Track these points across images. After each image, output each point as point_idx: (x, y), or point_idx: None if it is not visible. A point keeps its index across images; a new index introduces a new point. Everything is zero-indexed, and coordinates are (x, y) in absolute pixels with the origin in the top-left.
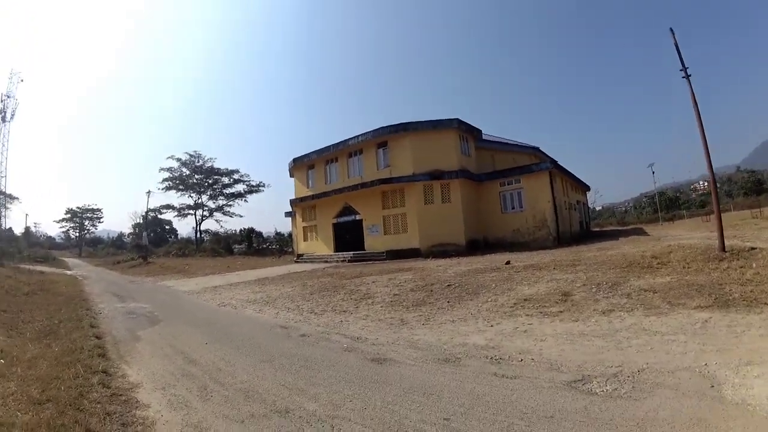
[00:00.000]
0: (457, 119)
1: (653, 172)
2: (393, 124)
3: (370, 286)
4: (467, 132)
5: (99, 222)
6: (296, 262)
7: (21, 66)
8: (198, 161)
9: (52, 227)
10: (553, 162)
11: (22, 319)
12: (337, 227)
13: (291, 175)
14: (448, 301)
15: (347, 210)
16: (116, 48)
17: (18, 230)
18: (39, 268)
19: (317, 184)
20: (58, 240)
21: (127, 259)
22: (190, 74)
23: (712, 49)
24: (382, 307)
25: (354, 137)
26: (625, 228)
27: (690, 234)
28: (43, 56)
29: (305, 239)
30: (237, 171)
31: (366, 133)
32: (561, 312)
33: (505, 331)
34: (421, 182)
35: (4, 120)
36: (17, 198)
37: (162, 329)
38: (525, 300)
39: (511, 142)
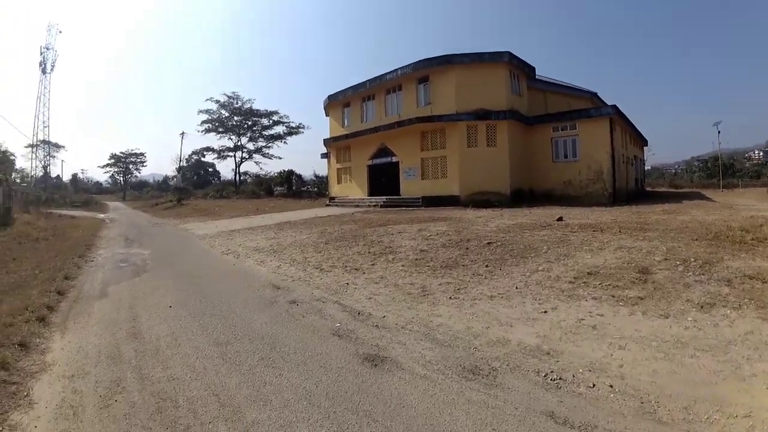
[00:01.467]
0: (509, 52)
1: (719, 132)
2: (435, 56)
3: (395, 237)
4: (519, 68)
5: (143, 166)
6: (327, 205)
7: (61, 13)
8: (236, 103)
9: (99, 173)
10: (615, 108)
11: (7, 269)
12: (371, 169)
13: (326, 114)
14: (487, 265)
15: (383, 151)
16: None
17: (66, 177)
18: (73, 212)
19: (353, 123)
20: (105, 185)
21: (164, 201)
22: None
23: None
24: (402, 266)
25: (392, 71)
26: (680, 191)
27: (764, 205)
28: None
29: (339, 182)
30: (276, 112)
31: (405, 66)
32: (641, 299)
33: (564, 324)
34: (465, 122)
35: (44, 72)
36: (63, 146)
37: (139, 283)
38: (588, 273)
39: (567, 85)
